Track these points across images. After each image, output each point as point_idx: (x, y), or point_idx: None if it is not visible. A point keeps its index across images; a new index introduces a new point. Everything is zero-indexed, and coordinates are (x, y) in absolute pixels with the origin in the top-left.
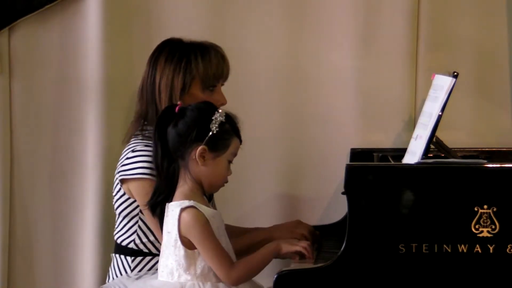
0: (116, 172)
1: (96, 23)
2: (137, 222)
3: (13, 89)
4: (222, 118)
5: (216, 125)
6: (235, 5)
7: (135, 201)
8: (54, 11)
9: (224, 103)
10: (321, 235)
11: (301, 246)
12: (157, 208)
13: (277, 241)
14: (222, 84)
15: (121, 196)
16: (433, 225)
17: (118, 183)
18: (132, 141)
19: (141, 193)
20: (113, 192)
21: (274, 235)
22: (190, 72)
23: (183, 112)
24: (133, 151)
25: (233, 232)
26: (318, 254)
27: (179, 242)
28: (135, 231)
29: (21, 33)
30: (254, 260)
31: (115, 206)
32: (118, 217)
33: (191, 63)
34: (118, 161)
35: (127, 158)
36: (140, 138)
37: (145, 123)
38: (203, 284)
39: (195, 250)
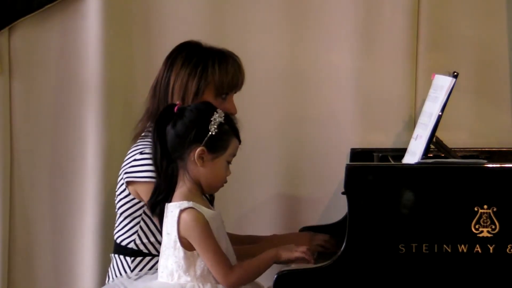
0: (121, 172)
1: (96, 23)
2: (138, 222)
3: (13, 89)
4: (221, 119)
5: (215, 126)
6: (235, 6)
7: (139, 202)
8: (54, 11)
9: (234, 113)
10: None
11: (300, 252)
12: (157, 208)
13: (276, 248)
14: (235, 92)
15: (125, 197)
16: (433, 225)
17: (123, 184)
18: (140, 142)
19: (149, 195)
20: (116, 192)
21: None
22: (206, 78)
23: (182, 113)
24: (141, 153)
25: (231, 240)
26: (319, 254)
27: (178, 244)
28: (136, 231)
29: (21, 33)
30: (253, 265)
31: (118, 205)
32: (120, 217)
33: (207, 69)
34: (124, 161)
35: (135, 160)
36: (148, 139)
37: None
38: (203, 285)
39: (195, 251)
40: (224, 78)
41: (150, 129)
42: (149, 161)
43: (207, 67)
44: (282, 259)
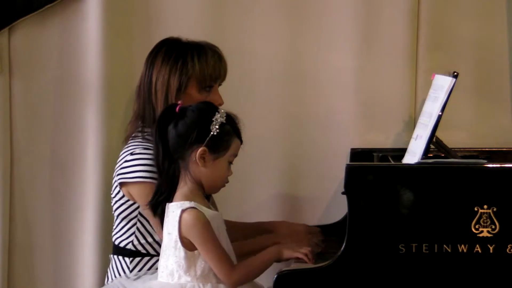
0: (115, 174)
1: (96, 23)
2: (135, 224)
3: (13, 89)
4: (223, 119)
5: (217, 126)
6: (235, 5)
7: (134, 203)
8: (54, 11)
9: (221, 103)
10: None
11: (302, 252)
12: (158, 208)
13: (278, 246)
14: (220, 84)
15: (120, 198)
16: (433, 225)
17: (117, 186)
18: (131, 143)
19: (141, 196)
20: (111, 194)
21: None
22: (186, 72)
23: (183, 113)
24: (132, 154)
25: (235, 227)
26: (319, 254)
27: (179, 244)
28: (133, 232)
29: (21, 33)
30: (255, 263)
31: (114, 208)
32: (116, 219)
33: (187, 63)
34: (117, 163)
35: (126, 161)
36: (139, 140)
37: (143, 124)
38: (203, 285)
39: (195, 251)
40: (205, 70)
41: (140, 129)
42: (140, 161)
43: (186, 61)
44: (283, 259)
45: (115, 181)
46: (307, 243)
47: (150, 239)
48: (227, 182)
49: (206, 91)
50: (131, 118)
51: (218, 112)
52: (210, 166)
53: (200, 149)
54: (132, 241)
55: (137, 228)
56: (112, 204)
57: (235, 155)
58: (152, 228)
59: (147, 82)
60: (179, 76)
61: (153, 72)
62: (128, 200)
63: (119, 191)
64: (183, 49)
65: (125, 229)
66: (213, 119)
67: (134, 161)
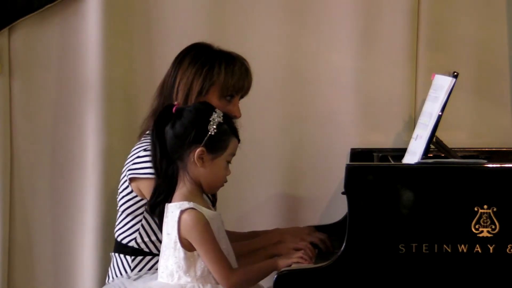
0: (125, 169)
1: (96, 23)
2: (140, 220)
3: (13, 89)
4: (220, 119)
5: (214, 126)
6: (235, 5)
7: (141, 199)
8: (54, 11)
9: (237, 116)
10: None
11: (297, 257)
12: (156, 209)
13: (274, 259)
14: (242, 97)
15: (128, 194)
16: (433, 225)
17: (126, 181)
18: (144, 139)
19: (151, 192)
20: (118, 189)
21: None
22: (211, 78)
23: (180, 113)
24: (144, 150)
25: (231, 237)
26: (319, 254)
27: (178, 244)
28: (138, 229)
29: (21, 33)
30: (253, 271)
31: (120, 203)
32: (121, 214)
33: (213, 70)
34: (128, 158)
35: (138, 157)
36: None
37: None
38: (203, 286)
39: (195, 252)
40: (230, 80)
41: None
42: None
43: (213, 67)
44: (280, 269)
45: (125, 175)
46: (308, 240)
47: (153, 238)
48: (226, 181)
49: (227, 100)
50: (148, 114)
51: (215, 112)
52: (209, 166)
53: (198, 150)
54: (135, 238)
55: (142, 225)
56: (118, 199)
57: (233, 155)
58: (157, 226)
59: (171, 82)
60: (202, 80)
61: (178, 73)
62: (135, 196)
63: (127, 186)
64: (212, 56)
65: (130, 225)
66: (210, 119)
67: (146, 157)
